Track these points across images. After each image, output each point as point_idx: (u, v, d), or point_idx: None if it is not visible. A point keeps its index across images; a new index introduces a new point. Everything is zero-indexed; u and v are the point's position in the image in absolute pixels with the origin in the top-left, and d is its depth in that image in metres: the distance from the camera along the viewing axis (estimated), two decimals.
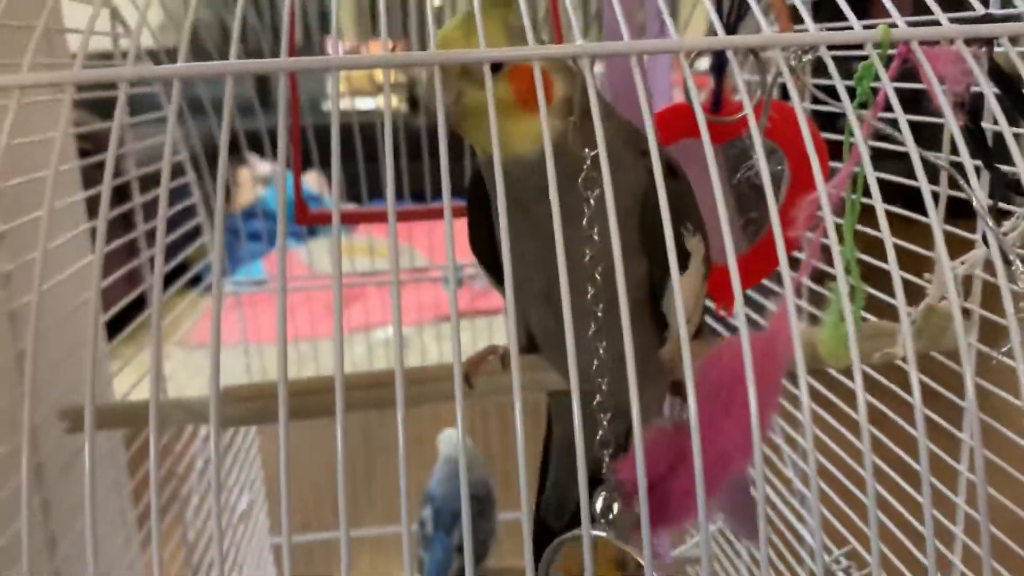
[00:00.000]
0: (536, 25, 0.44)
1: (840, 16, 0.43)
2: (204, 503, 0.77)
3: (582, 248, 0.42)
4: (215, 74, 0.35)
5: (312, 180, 2.27)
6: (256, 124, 1.15)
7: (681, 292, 0.45)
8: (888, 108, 0.38)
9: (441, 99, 0.34)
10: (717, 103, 0.58)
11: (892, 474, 0.58)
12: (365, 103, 2.09)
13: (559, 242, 0.33)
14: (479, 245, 0.49)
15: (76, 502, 0.55)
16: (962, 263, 0.44)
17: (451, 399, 0.46)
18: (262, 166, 2.57)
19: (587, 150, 0.41)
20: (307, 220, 0.54)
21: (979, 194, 0.35)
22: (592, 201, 0.42)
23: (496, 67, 0.40)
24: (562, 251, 0.32)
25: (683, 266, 0.44)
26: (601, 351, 0.44)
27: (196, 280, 0.93)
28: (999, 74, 0.40)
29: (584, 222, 0.42)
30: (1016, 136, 0.39)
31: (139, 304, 0.72)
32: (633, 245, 0.43)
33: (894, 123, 0.38)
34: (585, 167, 0.41)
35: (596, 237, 0.42)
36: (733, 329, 0.76)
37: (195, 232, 0.89)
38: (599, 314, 0.44)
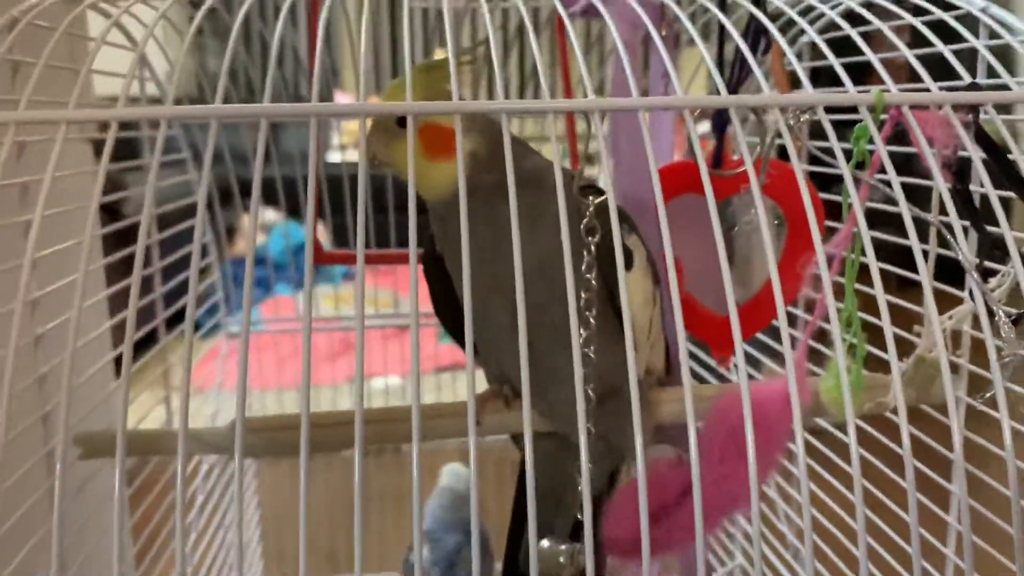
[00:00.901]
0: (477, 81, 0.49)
1: (837, 84, 0.46)
2: (202, 538, 0.77)
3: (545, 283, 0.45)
4: (249, 116, 0.37)
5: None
6: (264, 172, 1.18)
7: (631, 288, 0.48)
8: (882, 170, 0.41)
9: (363, 149, 0.39)
10: (717, 161, 0.60)
11: (885, 528, 0.59)
12: None
13: (466, 275, 0.35)
14: (445, 313, 0.52)
15: (82, 529, 0.56)
16: (950, 317, 0.46)
17: (460, 435, 0.48)
18: (264, 213, 2.60)
19: (591, 199, 0.44)
20: (323, 260, 0.56)
21: (966, 251, 0.38)
22: (591, 248, 0.44)
23: (403, 122, 0.46)
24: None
25: (628, 264, 0.49)
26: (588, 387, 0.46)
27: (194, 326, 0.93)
28: (985, 139, 0.42)
29: (583, 267, 0.44)
30: (1001, 198, 0.41)
31: (137, 348, 0.73)
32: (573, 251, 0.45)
33: (887, 184, 0.40)
34: (589, 214, 0.44)
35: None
36: (727, 382, 0.78)
37: (203, 271, 0.90)
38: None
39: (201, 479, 0.82)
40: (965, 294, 0.52)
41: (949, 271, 0.53)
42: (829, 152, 0.41)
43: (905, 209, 0.37)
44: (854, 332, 0.46)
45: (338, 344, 2.09)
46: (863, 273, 0.56)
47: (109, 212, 0.90)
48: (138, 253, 0.35)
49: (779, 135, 0.49)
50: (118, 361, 0.70)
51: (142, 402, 0.74)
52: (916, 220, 0.39)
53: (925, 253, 0.52)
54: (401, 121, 0.46)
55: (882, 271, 0.39)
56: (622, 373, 0.36)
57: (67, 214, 0.56)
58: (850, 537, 0.63)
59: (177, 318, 0.79)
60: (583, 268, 0.45)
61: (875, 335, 0.52)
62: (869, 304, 0.59)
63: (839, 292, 0.46)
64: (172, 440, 0.51)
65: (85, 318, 0.59)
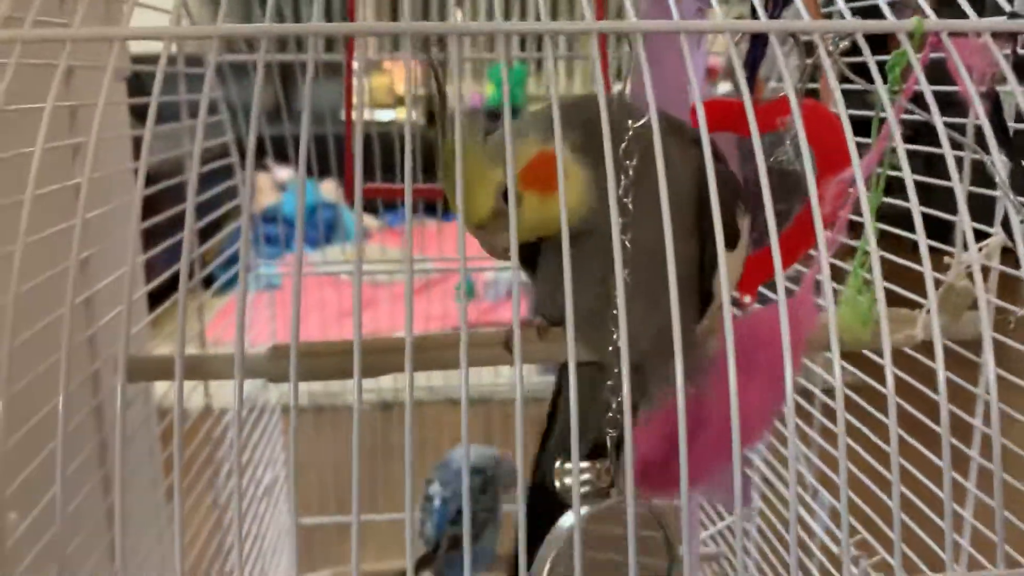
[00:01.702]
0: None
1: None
2: (233, 470, 0.79)
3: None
4: (299, 33, 0.38)
5: (329, 188, 2.29)
6: (281, 130, 1.18)
7: (731, 268, 0.48)
8: (916, 98, 0.41)
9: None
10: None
11: (907, 465, 0.60)
12: (384, 115, 2.12)
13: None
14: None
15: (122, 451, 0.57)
16: (980, 249, 0.46)
17: (499, 363, 0.49)
18: (281, 172, 2.61)
19: (630, 121, 0.44)
20: (368, 194, 0.56)
21: (1002, 172, 0.38)
22: (629, 171, 0.45)
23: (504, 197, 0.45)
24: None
25: (734, 244, 0.48)
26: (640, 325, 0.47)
27: (207, 281, 0.94)
28: None
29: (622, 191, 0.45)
30: None
31: (166, 289, 0.73)
32: (687, 227, 0.46)
33: (922, 126, 0.41)
34: (628, 137, 0.44)
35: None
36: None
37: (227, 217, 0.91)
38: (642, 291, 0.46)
39: (233, 413, 0.83)
40: (994, 229, 0.52)
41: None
42: (866, 79, 0.41)
43: (942, 129, 0.38)
44: (867, 267, 0.47)
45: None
46: (892, 219, 0.56)
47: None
48: (190, 184, 0.36)
49: (816, 67, 0.50)
50: (151, 297, 0.72)
51: (173, 337, 0.75)
52: (944, 156, 0.40)
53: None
54: (503, 196, 0.45)
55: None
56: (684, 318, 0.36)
57: (102, 143, 0.57)
58: (865, 470, 0.64)
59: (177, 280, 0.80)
60: (620, 192, 0.44)
61: (900, 275, 0.53)
62: (895, 245, 0.59)
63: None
64: (219, 363, 0.52)
65: (122, 249, 0.61)
